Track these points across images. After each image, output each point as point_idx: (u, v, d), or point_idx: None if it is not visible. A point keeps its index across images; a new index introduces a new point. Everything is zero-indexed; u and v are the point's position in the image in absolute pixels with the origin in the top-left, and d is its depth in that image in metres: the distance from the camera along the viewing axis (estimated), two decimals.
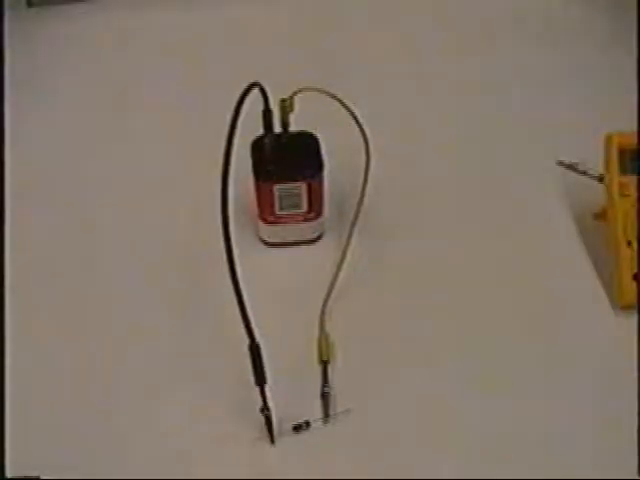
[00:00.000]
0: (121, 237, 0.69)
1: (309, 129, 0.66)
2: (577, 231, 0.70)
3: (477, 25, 0.89)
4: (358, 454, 0.57)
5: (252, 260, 0.61)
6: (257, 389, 0.56)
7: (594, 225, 0.69)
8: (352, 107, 0.65)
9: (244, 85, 0.57)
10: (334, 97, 0.64)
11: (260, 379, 0.56)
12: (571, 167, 0.70)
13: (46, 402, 0.59)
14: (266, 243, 0.70)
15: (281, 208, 0.66)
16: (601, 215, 0.69)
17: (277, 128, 0.63)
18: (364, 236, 0.67)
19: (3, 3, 0.72)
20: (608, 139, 0.67)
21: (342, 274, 0.66)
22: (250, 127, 0.61)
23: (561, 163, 0.71)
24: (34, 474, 0.53)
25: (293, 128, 0.64)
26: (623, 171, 0.66)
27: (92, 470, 0.56)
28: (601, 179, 0.67)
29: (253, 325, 0.55)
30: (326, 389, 0.59)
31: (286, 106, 0.62)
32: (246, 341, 0.56)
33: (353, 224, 0.68)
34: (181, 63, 0.84)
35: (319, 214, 0.68)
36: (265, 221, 0.68)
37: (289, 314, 0.64)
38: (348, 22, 0.89)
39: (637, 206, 0.66)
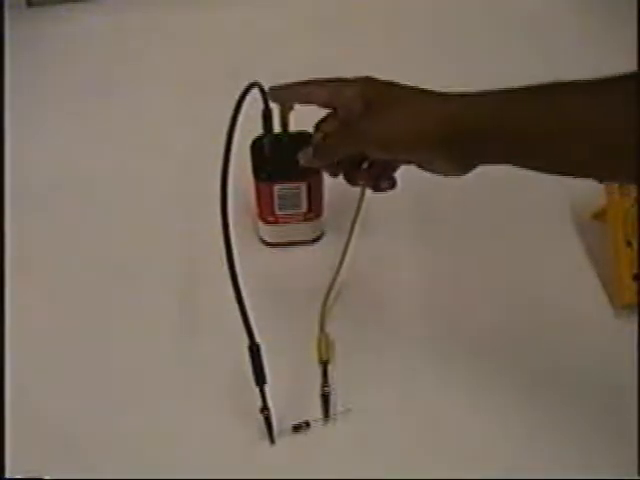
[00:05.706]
0: (120, 238, 0.69)
1: (309, 129, 0.66)
2: (577, 231, 0.70)
3: (477, 26, 0.89)
4: (358, 454, 0.57)
5: (252, 260, 0.61)
6: (257, 389, 0.56)
7: (594, 225, 0.69)
8: None
9: (244, 85, 0.57)
10: None
11: (260, 379, 0.56)
12: None
13: (46, 402, 0.59)
14: (266, 243, 0.70)
15: (281, 208, 0.66)
16: (601, 215, 0.68)
17: (277, 128, 0.63)
18: (364, 236, 0.67)
19: (3, 3, 0.73)
20: None
21: (342, 274, 0.66)
22: (250, 127, 0.61)
23: None
24: (34, 474, 0.53)
25: (293, 128, 0.64)
26: None
27: (92, 470, 0.56)
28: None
29: (253, 325, 0.56)
30: (326, 389, 0.59)
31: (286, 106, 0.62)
32: (246, 341, 0.56)
33: (353, 224, 0.68)
34: (181, 63, 0.84)
35: (319, 214, 0.68)
36: (265, 221, 0.68)
37: (289, 314, 0.64)
38: (348, 22, 0.89)
39: (637, 206, 0.66)
